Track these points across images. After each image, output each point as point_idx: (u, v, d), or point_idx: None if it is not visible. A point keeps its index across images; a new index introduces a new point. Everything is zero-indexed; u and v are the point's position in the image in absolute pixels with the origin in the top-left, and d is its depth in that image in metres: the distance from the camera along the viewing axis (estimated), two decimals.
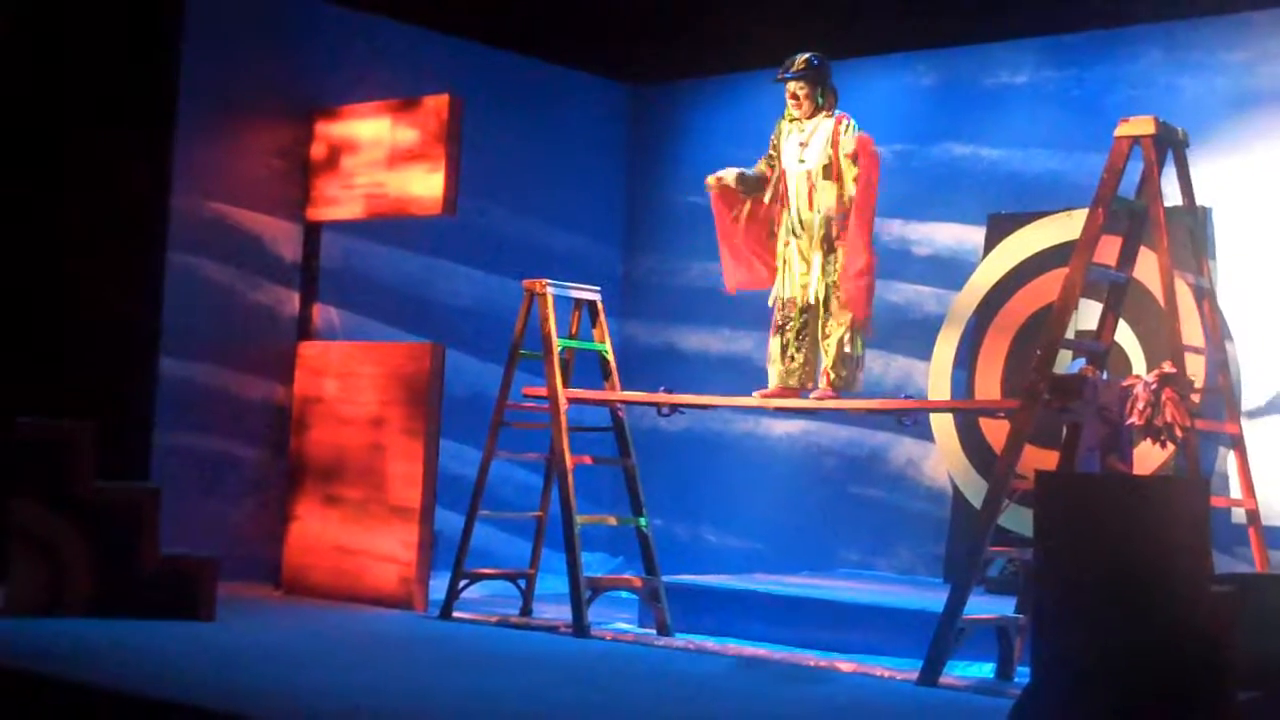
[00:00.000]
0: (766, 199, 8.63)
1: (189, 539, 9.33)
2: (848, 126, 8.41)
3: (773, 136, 8.66)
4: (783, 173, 8.57)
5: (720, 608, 9.39)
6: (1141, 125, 7.82)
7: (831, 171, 8.40)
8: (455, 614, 9.43)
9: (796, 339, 8.49)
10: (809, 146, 8.48)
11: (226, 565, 9.18)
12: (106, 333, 10.07)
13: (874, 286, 8.32)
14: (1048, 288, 9.83)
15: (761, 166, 8.68)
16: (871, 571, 11.24)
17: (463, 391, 11.10)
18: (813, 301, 8.41)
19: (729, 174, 8.68)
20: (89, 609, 8.48)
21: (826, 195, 8.41)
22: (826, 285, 8.39)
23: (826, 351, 8.38)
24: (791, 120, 8.60)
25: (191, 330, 10.28)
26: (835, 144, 8.40)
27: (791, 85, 8.55)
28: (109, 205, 10.18)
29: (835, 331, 8.36)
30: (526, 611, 9.72)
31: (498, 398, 9.63)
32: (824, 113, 8.52)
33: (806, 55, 8.55)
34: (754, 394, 8.67)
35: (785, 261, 8.57)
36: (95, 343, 10.01)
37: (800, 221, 8.48)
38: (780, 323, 8.55)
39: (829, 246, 8.39)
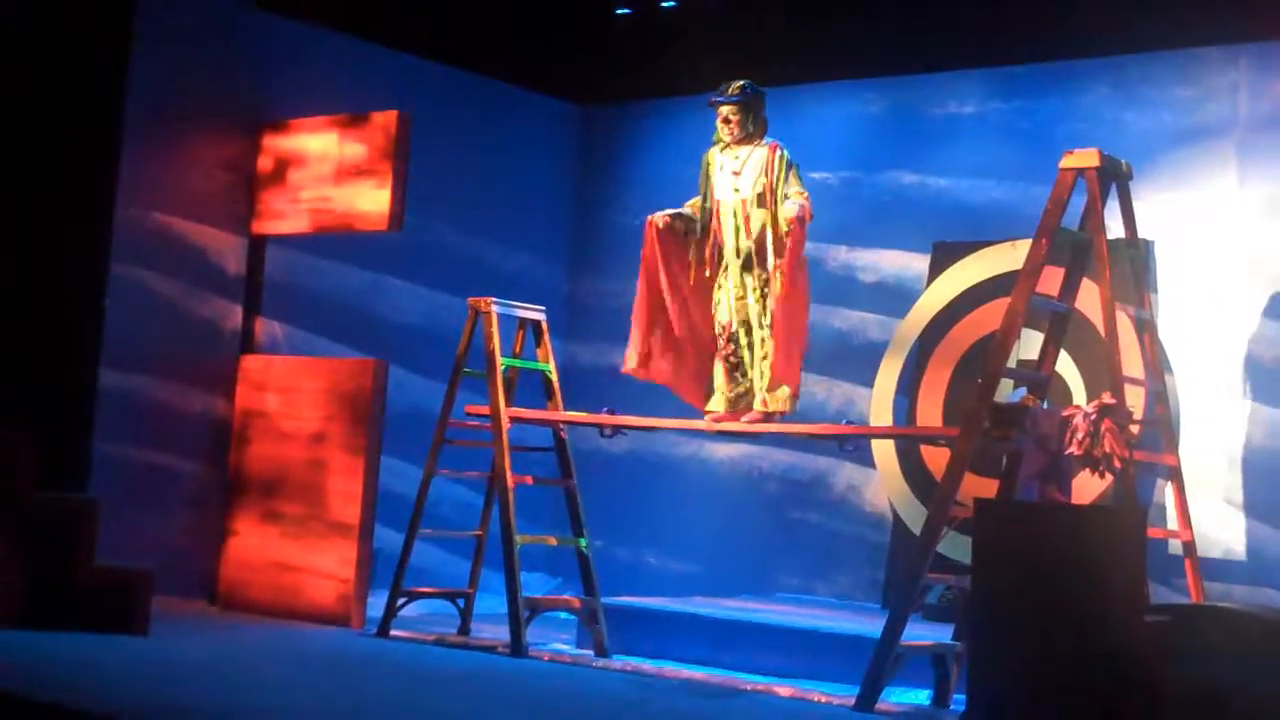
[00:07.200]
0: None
1: (125, 551, 9.23)
2: (781, 158, 8.48)
3: (703, 169, 8.72)
4: (716, 203, 8.63)
5: (658, 630, 9.38)
6: (1086, 158, 7.88)
7: (765, 200, 8.47)
8: (393, 632, 9.39)
9: (738, 365, 8.54)
10: (742, 175, 8.57)
11: (162, 579, 9.10)
12: (47, 342, 9.98)
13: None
14: (990, 317, 9.88)
15: (694, 204, 8.74)
16: (810, 596, 11.25)
17: (405, 408, 11.05)
18: (752, 324, 8.46)
19: (667, 213, 8.74)
20: (22, 620, 8.38)
21: (759, 221, 8.47)
22: (760, 304, 8.45)
23: (762, 374, 8.43)
24: (722, 147, 8.66)
25: (133, 341, 10.20)
26: (770, 171, 8.49)
27: (724, 110, 8.62)
28: (53, 215, 10.09)
29: (771, 353, 8.41)
30: (465, 631, 9.69)
31: (440, 415, 9.61)
32: (754, 141, 8.61)
33: (741, 82, 8.64)
34: (705, 416, 8.71)
35: (721, 287, 8.64)
36: (36, 352, 9.92)
37: (737, 249, 8.53)
38: (724, 350, 8.59)
39: (761, 268, 8.45)
